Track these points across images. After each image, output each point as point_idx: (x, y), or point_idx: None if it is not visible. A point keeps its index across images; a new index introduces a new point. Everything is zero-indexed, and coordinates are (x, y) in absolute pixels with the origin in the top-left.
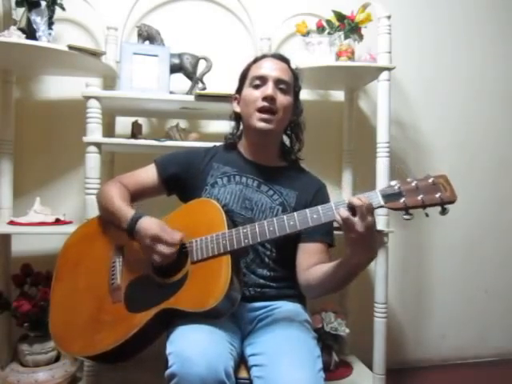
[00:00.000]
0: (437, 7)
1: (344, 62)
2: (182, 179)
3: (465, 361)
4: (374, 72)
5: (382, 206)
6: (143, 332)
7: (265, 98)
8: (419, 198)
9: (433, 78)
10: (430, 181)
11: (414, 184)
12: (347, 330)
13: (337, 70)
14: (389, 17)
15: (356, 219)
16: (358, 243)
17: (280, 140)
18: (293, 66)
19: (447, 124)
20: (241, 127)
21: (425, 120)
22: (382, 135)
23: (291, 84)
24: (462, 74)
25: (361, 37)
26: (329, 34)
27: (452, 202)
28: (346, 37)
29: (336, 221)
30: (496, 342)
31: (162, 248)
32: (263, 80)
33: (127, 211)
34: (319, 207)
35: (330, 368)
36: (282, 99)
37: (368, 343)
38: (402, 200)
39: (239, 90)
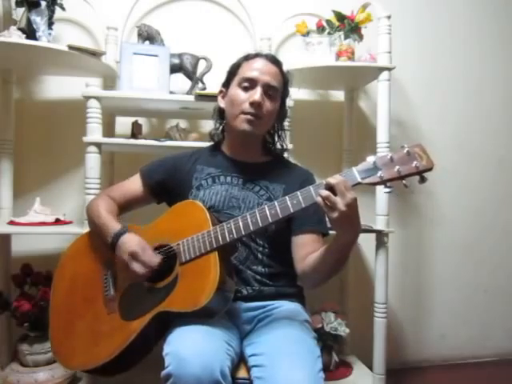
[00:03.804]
0: (436, 7)
1: (344, 62)
2: (168, 185)
3: (465, 361)
4: (374, 72)
5: (359, 183)
6: (141, 339)
7: (252, 104)
8: (395, 169)
9: (432, 78)
10: (405, 151)
11: (388, 157)
12: (347, 330)
13: (337, 70)
14: (389, 17)
15: (336, 198)
16: (342, 222)
17: (262, 138)
18: (285, 69)
19: (447, 124)
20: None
21: (425, 120)
22: (382, 135)
23: (280, 90)
24: (461, 74)
25: (361, 37)
26: (329, 34)
27: (429, 170)
28: (346, 37)
29: (317, 203)
30: (496, 342)
31: (136, 266)
32: (252, 83)
33: (113, 226)
34: (298, 192)
35: (330, 368)
36: (269, 105)
37: (368, 343)
38: (379, 174)
39: (226, 84)
